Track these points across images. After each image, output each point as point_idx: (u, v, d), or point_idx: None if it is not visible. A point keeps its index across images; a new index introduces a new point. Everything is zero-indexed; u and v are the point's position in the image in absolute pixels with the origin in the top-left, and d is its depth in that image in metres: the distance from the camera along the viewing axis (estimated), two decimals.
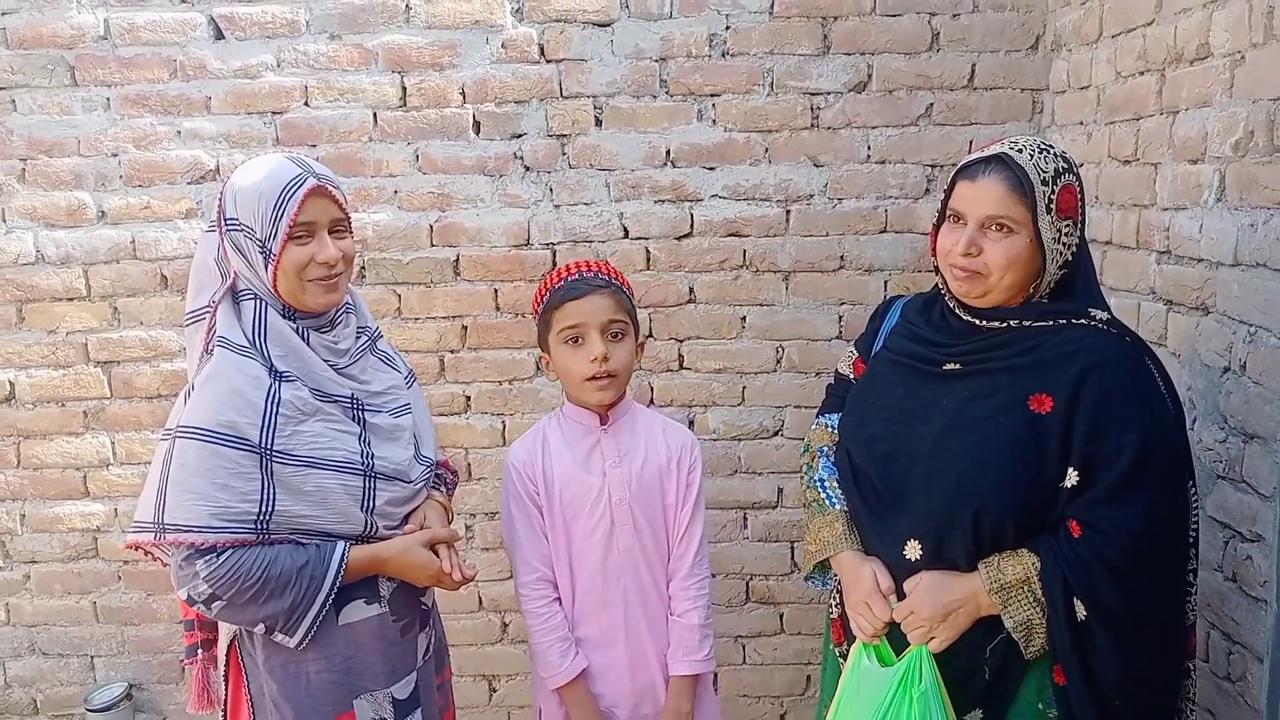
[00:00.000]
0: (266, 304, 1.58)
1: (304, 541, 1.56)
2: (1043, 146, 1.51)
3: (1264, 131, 1.67)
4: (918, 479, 1.57)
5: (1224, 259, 1.80)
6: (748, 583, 2.86)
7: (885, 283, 2.66)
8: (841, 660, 1.72)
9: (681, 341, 2.72)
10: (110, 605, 2.86)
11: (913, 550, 1.56)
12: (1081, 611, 1.45)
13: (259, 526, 1.50)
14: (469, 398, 2.76)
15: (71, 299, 2.68)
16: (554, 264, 2.66)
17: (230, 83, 2.56)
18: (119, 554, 2.81)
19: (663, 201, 2.64)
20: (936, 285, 1.69)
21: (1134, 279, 2.15)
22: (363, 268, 2.66)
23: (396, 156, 2.61)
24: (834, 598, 1.79)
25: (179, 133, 2.59)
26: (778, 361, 2.73)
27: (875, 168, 2.60)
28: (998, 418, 1.51)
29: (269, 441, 1.51)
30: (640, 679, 1.89)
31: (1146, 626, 1.47)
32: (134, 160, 2.60)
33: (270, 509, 1.51)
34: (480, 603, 2.86)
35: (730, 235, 2.65)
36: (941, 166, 2.59)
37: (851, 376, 1.84)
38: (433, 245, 2.67)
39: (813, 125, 2.59)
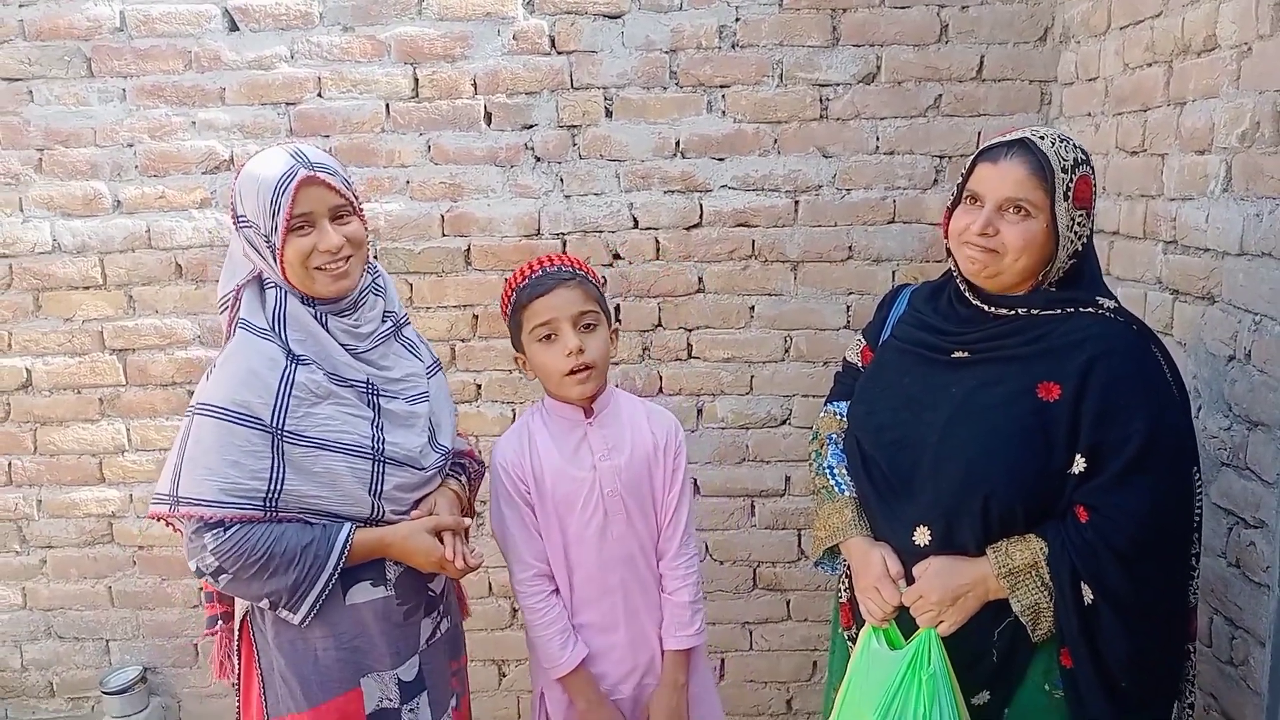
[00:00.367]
0: (287, 292, 1.62)
1: (312, 521, 1.59)
2: (1063, 136, 1.54)
3: (1270, 122, 1.69)
4: (927, 466, 1.59)
5: (1230, 248, 1.82)
6: (755, 570, 2.88)
7: (893, 273, 2.68)
8: (850, 644, 1.74)
9: (690, 331, 2.74)
10: (125, 590, 2.90)
11: (922, 536, 1.58)
12: (1089, 596, 1.47)
13: (267, 504, 1.54)
14: (479, 386, 2.79)
15: (88, 287, 2.71)
16: (564, 252, 2.68)
17: (244, 74, 2.59)
18: (134, 539, 2.85)
19: (672, 192, 2.66)
20: (945, 273, 1.72)
21: (1140, 269, 2.17)
22: (374, 257, 2.68)
23: (408, 147, 2.64)
24: (843, 582, 1.82)
25: (194, 123, 2.61)
26: (786, 351, 2.75)
27: (884, 159, 2.62)
28: (1006, 405, 1.53)
29: (281, 422, 1.54)
30: (642, 655, 1.92)
31: (1152, 610, 1.49)
32: (149, 150, 2.63)
33: (279, 488, 1.55)
34: (490, 588, 2.90)
35: (739, 225, 2.67)
36: (950, 158, 2.61)
37: (859, 364, 1.86)
38: (444, 235, 2.69)
39: (822, 116, 2.60)
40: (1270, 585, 1.71)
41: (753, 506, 2.85)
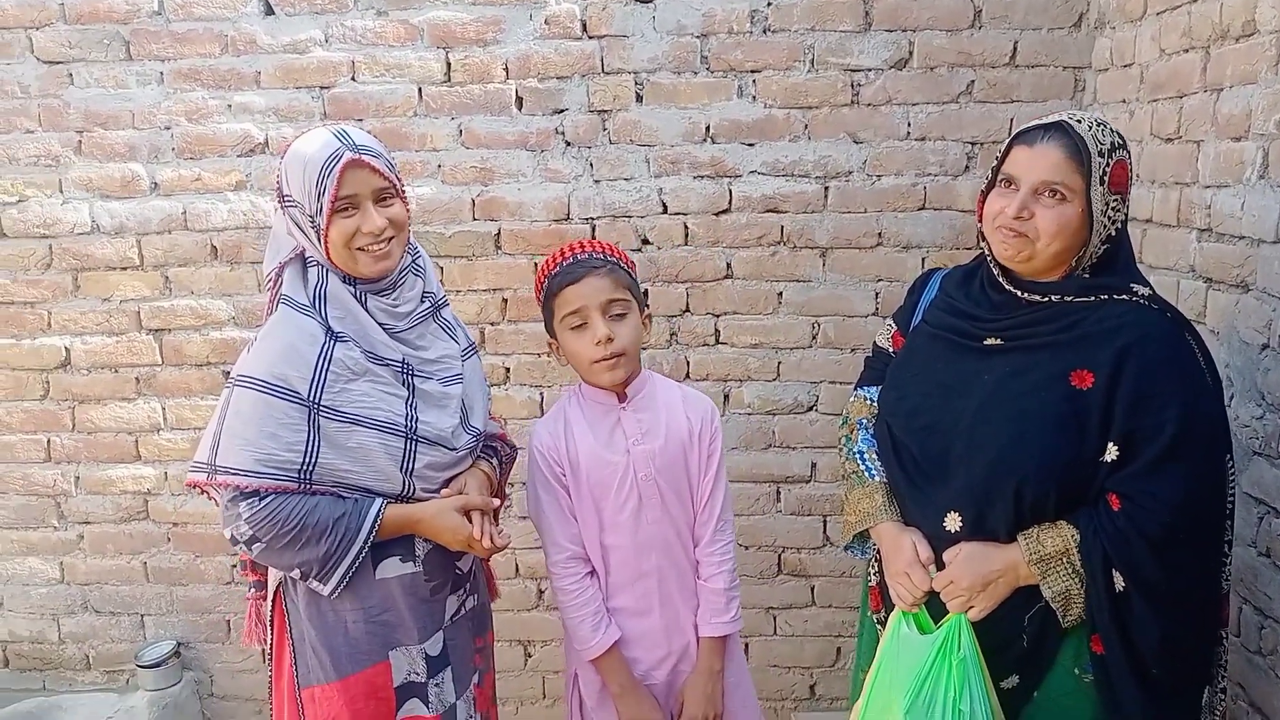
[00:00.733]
0: (328, 271, 1.65)
1: (344, 495, 1.63)
2: (1100, 121, 1.53)
3: None
4: (958, 452, 1.59)
5: (1265, 236, 1.80)
6: (780, 555, 2.90)
7: (923, 260, 2.67)
8: (879, 627, 1.76)
9: (718, 316, 2.75)
10: (160, 566, 2.95)
11: (953, 522, 1.59)
12: (1120, 583, 1.48)
13: (302, 476, 1.58)
14: (508, 369, 2.81)
15: (125, 268, 2.75)
16: (594, 238, 2.69)
17: (279, 58, 2.61)
18: (169, 516, 2.90)
19: (702, 177, 2.66)
20: (977, 258, 1.71)
21: (1174, 257, 2.16)
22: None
23: (440, 131, 2.66)
24: (873, 566, 1.83)
25: (229, 106, 2.64)
26: (813, 337, 2.76)
27: (915, 145, 2.61)
28: (1038, 393, 1.53)
29: (318, 396, 1.58)
30: (676, 642, 1.93)
31: (1184, 598, 1.50)
32: (186, 133, 2.66)
33: (314, 460, 1.58)
34: (517, 570, 2.93)
35: (768, 211, 2.67)
36: (982, 144, 2.59)
37: (890, 349, 1.86)
38: (474, 219, 2.71)
39: (853, 102, 2.60)
40: None
41: (778, 492, 2.86)
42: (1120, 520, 1.47)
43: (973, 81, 2.57)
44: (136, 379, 2.83)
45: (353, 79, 2.62)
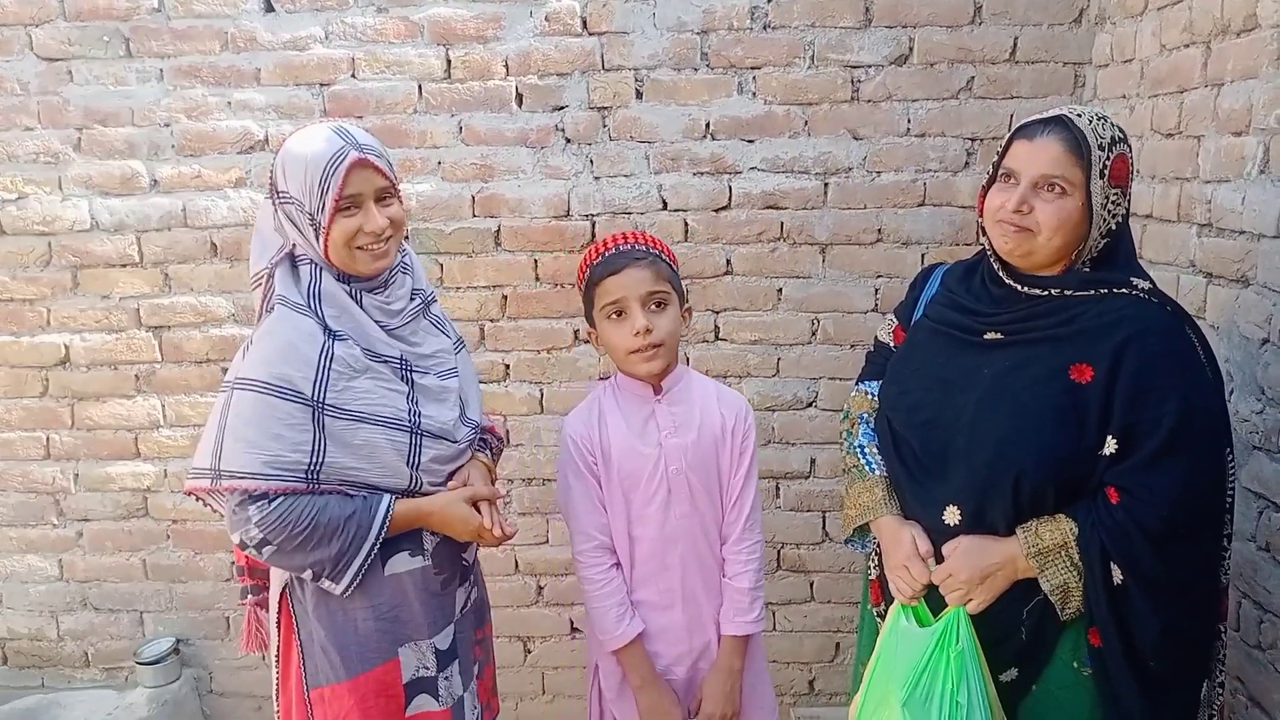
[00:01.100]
0: (322, 268, 1.64)
1: (352, 493, 1.62)
2: (1101, 115, 1.53)
3: None
4: (958, 446, 1.60)
5: (1266, 230, 1.80)
6: (779, 551, 2.90)
7: (922, 256, 2.67)
8: (879, 620, 1.76)
9: (718, 313, 2.75)
10: (159, 563, 2.95)
11: (952, 515, 1.59)
12: (1118, 576, 1.48)
13: (309, 476, 1.56)
14: (508, 366, 2.81)
15: (125, 265, 2.75)
16: (594, 235, 2.69)
17: (279, 55, 2.61)
18: (168, 513, 2.90)
19: (701, 174, 2.66)
20: (978, 253, 1.72)
21: (1174, 252, 2.16)
22: (406, 237, 2.69)
23: (440, 128, 2.66)
24: (872, 559, 1.83)
25: (229, 103, 2.64)
26: (813, 334, 2.76)
27: (915, 141, 2.61)
28: (1038, 387, 1.53)
29: (321, 395, 1.57)
30: (697, 639, 1.94)
31: (1183, 591, 1.49)
32: (186, 130, 2.66)
33: (321, 460, 1.57)
34: (517, 566, 2.93)
35: (768, 208, 2.67)
36: (982, 140, 2.59)
37: (891, 344, 1.86)
38: (474, 216, 2.71)
39: (853, 98, 2.60)
40: None
41: (778, 488, 2.86)
42: (1119, 513, 1.47)
43: (973, 77, 2.57)
44: (136, 376, 2.82)
45: (353, 76, 2.62)
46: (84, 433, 2.87)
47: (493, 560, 2.88)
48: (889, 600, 1.70)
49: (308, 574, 1.62)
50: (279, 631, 1.73)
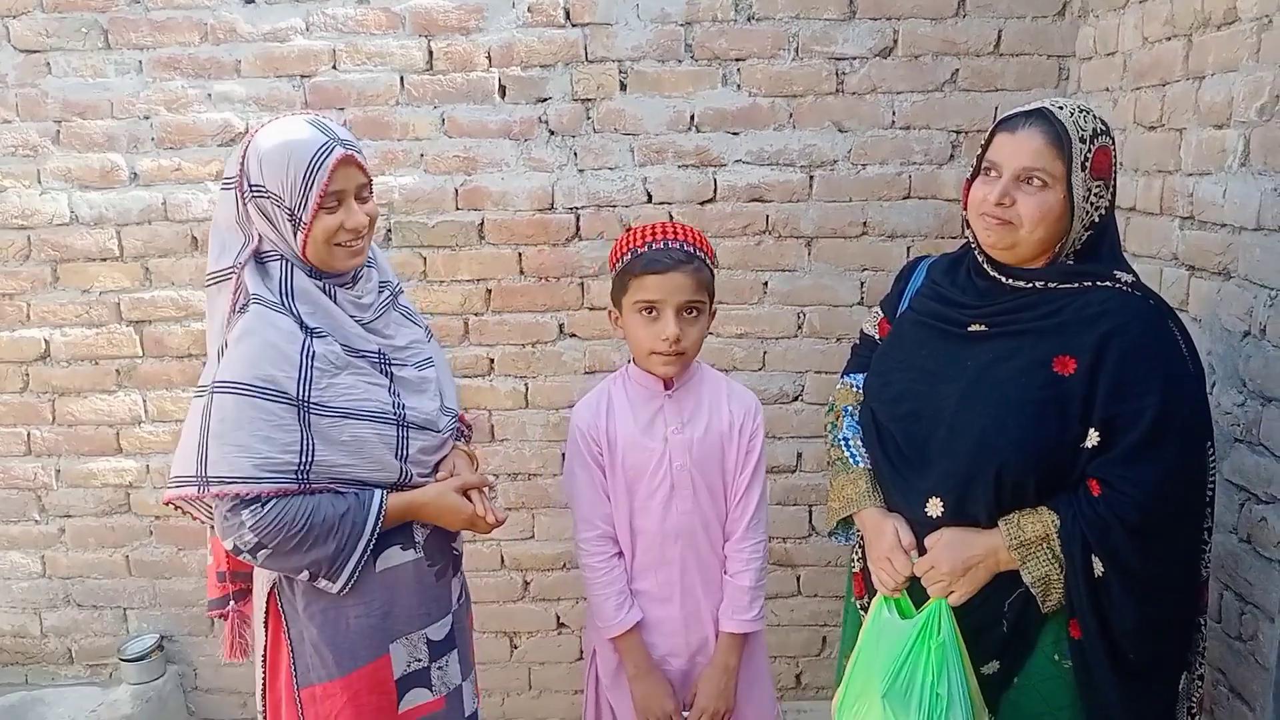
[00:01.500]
0: (292, 264, 1.61)
1: (342, 490, 1.60)
2: (1083, 108, 1.53)
3: None
4: (941, 438, 1.60)
5: (1247, 223, 1.81)
6: (766, 545, 2.89)
7: (908, 249, 2.67)
8: (862, 613, 1.76)
9: None
10: (143, 559, 2.93)
11: (934, 507, 1.59)
12: (1099, 568, 1.48)
13: (300, 476, 1.54)
14: (492, 360, 2.80)
15: (105, 259, 2.73)
16: (578, 228, 2.68)
17: (260, 46, 2.59)
18: (151, 509, 2.88)
19: (686, 166, 2.65)
20: (963, 245, 1.71)
21: (1157, 245, 2.16)
22: (389, 230, 2.69)
23: (423, 120, 2.64)
24: (856, 553, 1.83)
25: (209, 96, 2.62)
26: (799, 327, 2.75)
27: (900, 133, 2.61)
28: (1020, 379, 1.53)
29: (306, 394, 1.55)
30: (694, 633, 1.94)
31: (1162, 583, 1.50)
32: (165, 123, 2.63)
33: (310, 459, 1.55)
34: (502, 561, 2.92)
35: (753, 201, 2.67)
36: (967, 133, 2.59)
37: (876, 336, 1.86)
38: (458, 209, 2.69)
39: (838, 90, 2.59)
40: None
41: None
42: (1100, 506, 1.47)
43: (957, 70, 2.56)
44: (117, 371, 2.80)
45: (334, 68, 2.60)
46: (65, 428, 2.84)
47: (479, 555, 2.87)
48: (872, 593, 1.70)
49: (304, 574, 1.60)
50: (266, 631, 1.71)
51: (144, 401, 2.82)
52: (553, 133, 2.64)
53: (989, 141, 1.59)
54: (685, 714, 1.94)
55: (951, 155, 2.62)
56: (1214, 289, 1.94)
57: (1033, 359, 1.54)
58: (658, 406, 1.89)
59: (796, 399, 2.80)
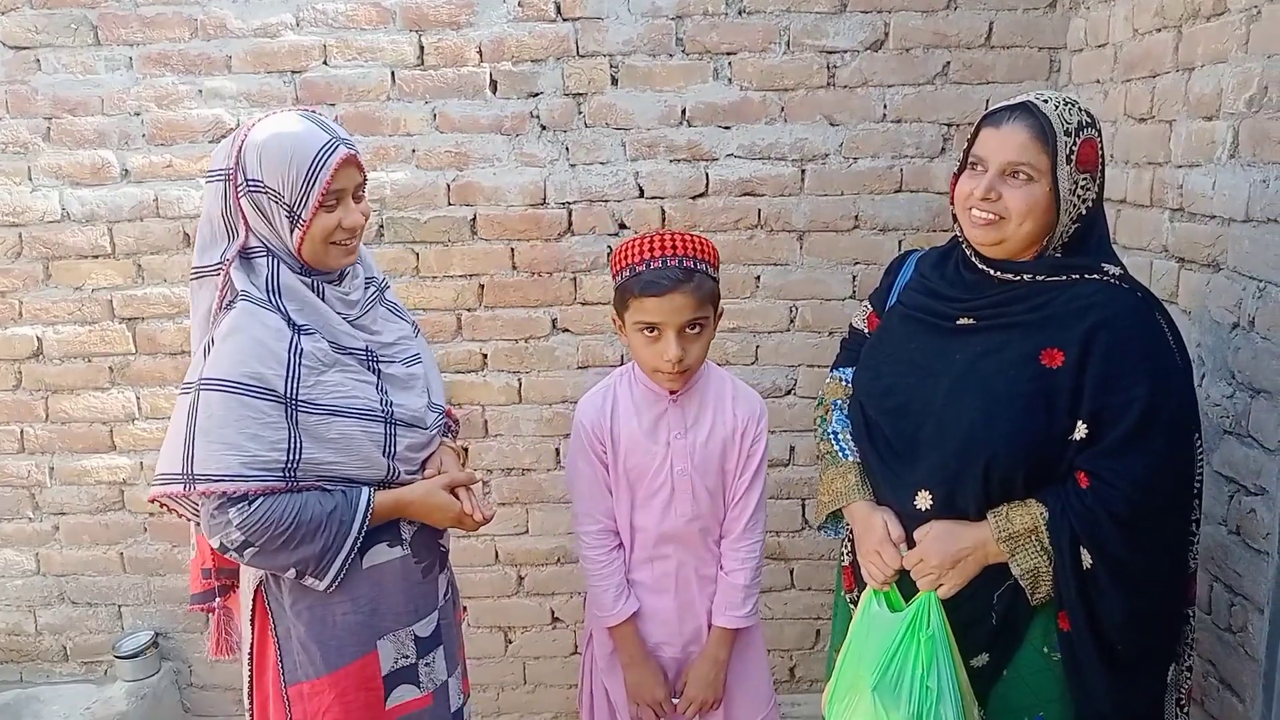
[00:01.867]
0: (280, 261, 1.59)
1: (330, 488, 1.60)
2: (1069, 100, 1.53)
3: (1278, 87, 1.67)
4: (929, 431, 1.60)
5: (1236, 215, 1.81)
6: (763, 545, 2.89)
7: (900, 242, 2.67)
8: (852, 607, 1.76)
9: None
10: (137, 556, 2.93)
11: (923, 500, 1.60)
12: (1088, 560, 1.48)
13: (288, 474, 1.53)
14: (485, 355, 2.80)
15: (97, 256, 2.72)
16: (570, 223, 2.68)
17: (250, 41, 2.58)
18: (145, 506, 2.87)
19: (678, 161, 2.65)
20: (952, 239, 1.71)
21: (1147, 237, 2.16)
22: (381, 226, 2.69)
23: (414, 115, 2.63)
24: (845, 546, 1.84)
25: (200, 92, 2.61)
26: (791, 321, 2.75)
27: (891, 127, 2.61)
28: (1008, 372, 1.54)
29: (294, 391, 1.54)
30: (688, 623, 1.97)
31: (1150, 575, 1.50)
32: (156, 119, 2.63)
33: (298, 457, 1.54)
34: (497, 556, 2.92)
35: (745, 195, 2.67)
36: (958, 125, 2.59)
37: (865, 330, 1.86)
38: (450, 204, 2.69)
39: (829, 84, 2.59)
40: (1270, 552, 1.72)
41: None
42: (1088, 498, 1.48)
43: (948, 63, 2.56)
44: (110, 368, 2.80)
45: (324, 63, 2.60)
46: (58, 426, 2.84)
47: (473, 551, 2.87)
48: (862, 586, 1.71)
49: (291, 572, 1.60)
50: (253, 628, 1.71)
51: (137, 398, 2.82)
52: (544, 127, 2.64)
53: (975, 136, 1.58)
54: (675, 701, 1.97)
55: (943, 148, 2.61)
56: (1203, 281, 1.94)
57: (1021, 352, 1.54)
58: (661, 410, 1.89)
59: (789, 393, 2.80)
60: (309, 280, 1.62)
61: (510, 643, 3.00)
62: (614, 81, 2.60)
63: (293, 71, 2.60)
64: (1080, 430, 1.50)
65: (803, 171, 2.65)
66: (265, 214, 1.57)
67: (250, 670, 1.73)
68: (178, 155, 2.65)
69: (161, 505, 1.59)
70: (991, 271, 1.60)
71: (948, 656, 1.51)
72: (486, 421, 2.83)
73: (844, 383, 1.86)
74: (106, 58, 2.59)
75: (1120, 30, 2.25)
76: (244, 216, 1.58)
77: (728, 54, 2.58)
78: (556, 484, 2.85)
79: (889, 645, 1.52)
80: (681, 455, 1.87)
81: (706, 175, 2.66)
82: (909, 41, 2.55)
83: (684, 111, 2.62)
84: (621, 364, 2.73)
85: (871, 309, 1.88)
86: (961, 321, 1.63)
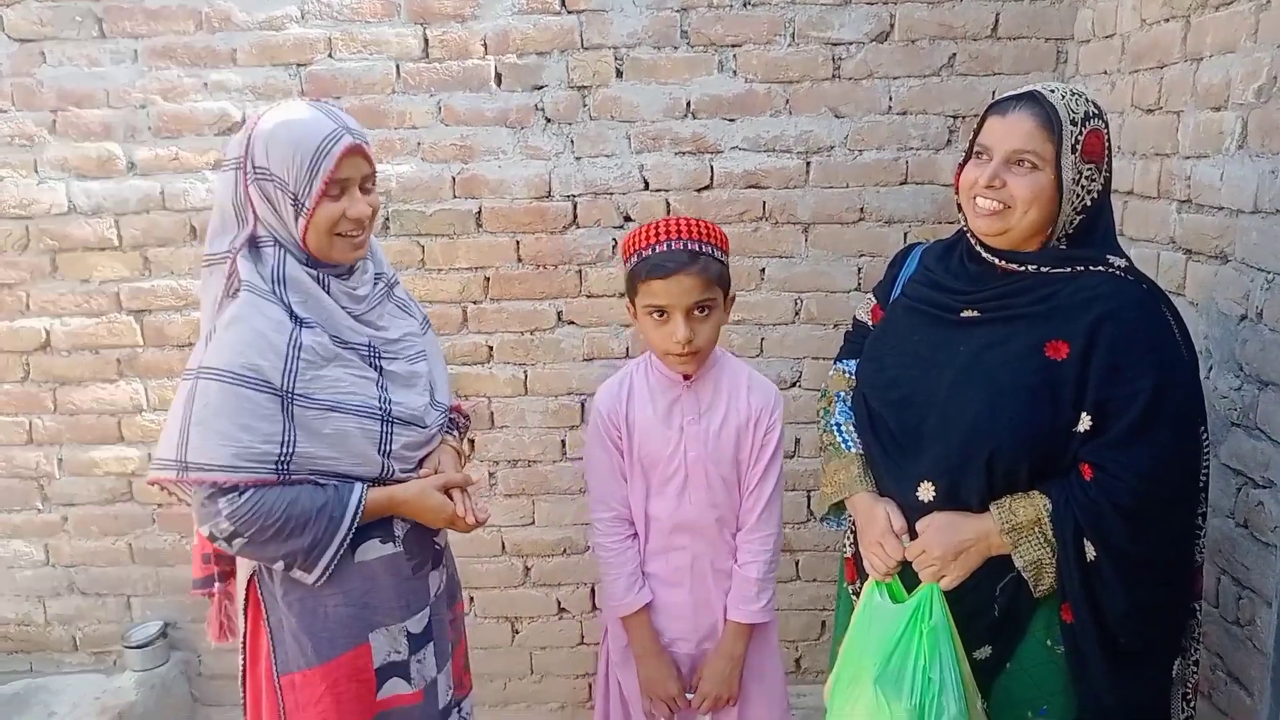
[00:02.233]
0: (287, 251, 1.60)
1: (323, 483, 1.60)
2: (1076, 91, 1.53)
3: None
4: (933, 423, 1.59)
5: (1244, 206, 1.80)
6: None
7: (905, 234, 2.66)
8: (854, 598, 1.76)
9: None
10: (146, 547, 2.94)
11: (926, 492, 1.59)
12: (1091, 552, 1.48)
13: (280, 467, 1.53)
14: (491, 348, 2.80)
15: (104, 249, 2.73)
16: (575, 216, 2.68)
17: (255, 35, 2.58)
18: (153, 497, 2.89)
19: (683, 153, 2.65)
20: (957, 231, 1.71)
21: (1154, 229, 2.15)
22: (386, 219, 2.69)
23: (419, 108, 2.63)
24: (848, 538, 1.83)
25: (205, 85, 2.62)
26: (796, 313, 2.75)
27: (896, 119, 2.60)
28: (1012, 364, 1.53)
29: (290, 385, 1.54)
30: (703, 618, 1.96)
31: (1154, 568, 1.50)
32: (162, 112, 2.63)
33: (291, 450, 1.54)
34: (503, 547, 2.93)
35: (750, 187, 2.66)
36: (964, 118, 2.58)
37: (869, 323, 1.86)
38: (455, 197, 2.69)
39: (834, 76, 2.58)
40: (1278, 545, 1.71)
41: None
42: (1092, 490, 1.47)
43: (954, 54, 2.55)
44: (118, 360, 2.81)
45: (330, 56, 2.60)
46: (67, 417, 2.85)
47: (479, 542, 2.88)
48: (864, 578, 1.70)
49: (279, 564, 1.60)
50: (246, 618, 1.71)
51: (145, 390, 2.83)
52: (549, 120, 2.63)
53: (981, 125, 1.58)
54: (689, 696, 1.96)
55: (949, 140, 2.60)
56: (1211, 272, 1.93)
57: (1025, 344, 1.53)
58: (676, 396, 1.90)
59: (794, 385, 2.79)
60: (315, 273, 1.62)
61: (517, 633, 3.01)
62: (619, 74, 2.60)
63: (298, 64, 2.60)
64: (1084, 422, 1.49)
65: (808, 164, 2.64)
66: (272, 202, 1.57)
67: (243, 659, 1.74)
68: (183, 148, 2.66)
69: (163, 489, 1.60)
70: (996, 261, 1.60)
71: (950, 648, 1.50)
72: (492, 413, 2.83)
73: (847, 375, 1.86)
74: (112, 50, 2.60)
75: (1128, 20, 2.23)
76: (252, 205, 1.58)
77: (733, 46, 2.57)
78: (563, 475, 2.86)
79: (891, 637, 1.52)
80: (695, 441, 1.87)
81: (711, 168, 2.65)
82: (914, 33, 2.54)
83: (689, 104, 2.61)
84: (627, 356, 2.75)
85: (875, 301, 1.87)
86: (966, 314, 1.62)
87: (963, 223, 1.66)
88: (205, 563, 1.80)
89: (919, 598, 1.54)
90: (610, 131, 2.63)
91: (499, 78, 2.61)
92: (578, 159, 2.65)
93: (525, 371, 2.81)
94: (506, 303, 2.76)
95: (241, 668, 1.75)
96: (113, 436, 2.86)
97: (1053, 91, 1.51)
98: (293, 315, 1.58)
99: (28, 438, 2.87)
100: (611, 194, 2.67)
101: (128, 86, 2.61)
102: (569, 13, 2.56)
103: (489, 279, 2.75)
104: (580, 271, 2.73)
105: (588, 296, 2.74)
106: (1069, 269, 1.54)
